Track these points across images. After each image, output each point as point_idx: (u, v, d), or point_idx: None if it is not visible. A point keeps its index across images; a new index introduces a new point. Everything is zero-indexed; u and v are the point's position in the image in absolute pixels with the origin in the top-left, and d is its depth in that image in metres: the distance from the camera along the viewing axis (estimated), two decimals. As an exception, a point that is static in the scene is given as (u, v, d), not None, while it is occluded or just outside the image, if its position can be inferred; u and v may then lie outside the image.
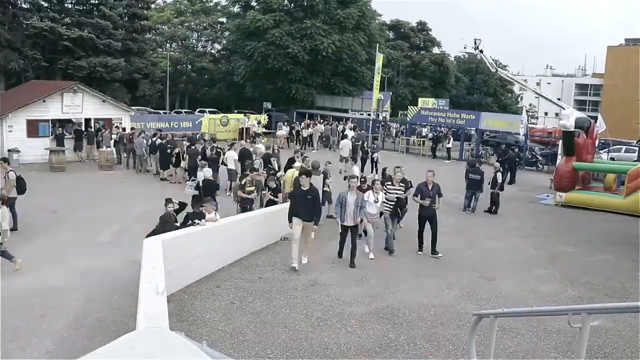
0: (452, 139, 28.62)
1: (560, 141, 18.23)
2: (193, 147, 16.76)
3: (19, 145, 19.42)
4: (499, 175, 14.93)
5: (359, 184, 10.34)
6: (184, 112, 42.99)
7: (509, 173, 19.80)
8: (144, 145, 18.40)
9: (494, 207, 14.71)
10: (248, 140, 23.00)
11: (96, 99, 22.04)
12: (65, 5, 36.42)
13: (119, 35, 36.56)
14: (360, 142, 22.88)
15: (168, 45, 54.17)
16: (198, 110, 43.52)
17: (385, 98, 43.53)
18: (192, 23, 52.77)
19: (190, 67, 52.89)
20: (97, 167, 19.33)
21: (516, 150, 22.81)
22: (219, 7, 53.66)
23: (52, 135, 20.29)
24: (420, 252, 10.44)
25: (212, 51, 55.45)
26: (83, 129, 21.36)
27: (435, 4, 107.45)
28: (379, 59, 32.68)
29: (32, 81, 28.12)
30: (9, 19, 32.71)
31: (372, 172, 18.97)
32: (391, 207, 10.63)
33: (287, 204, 11.97)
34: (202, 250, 8.50)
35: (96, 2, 36.74)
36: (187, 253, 8.10)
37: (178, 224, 9.05)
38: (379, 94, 35.68)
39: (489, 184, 14.69)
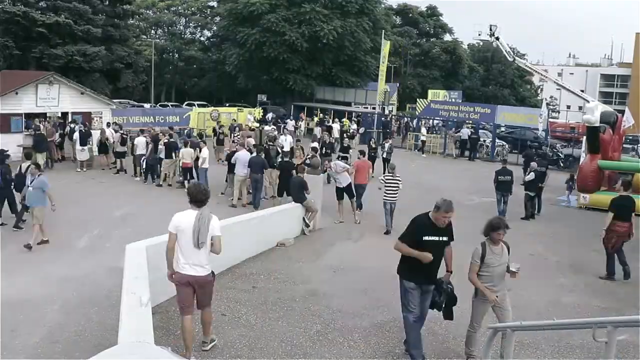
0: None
1: (584, 137, 18.24)
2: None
3: (-11, 142, 19.43)
4: (532, 175, 15.05)
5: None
6: (171, 105, 43.04)
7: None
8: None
9: (529, 212, 15.00)
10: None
11: (74, 91, 22.08)
12: (40, -13, 36.48)
13: (98, 21, 36.56)
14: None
15: (153, 31, 54.25)
16: (186, 103, 43.59)
17: (391, 90, 43.56)
18: (179, 7, 52.84)
19: (177, 55, 52.96)
20: (76, 166, 19.34)
21: (544, 149, 22.82)
22: (208, -10, 53.80)
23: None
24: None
25: (202, 38, 55.56)
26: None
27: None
28: (385, 47, 32.71)
29: (4, 71, 28.13)
30: (-22, 3, 32.77)
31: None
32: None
33: (287, 207, 12.12)
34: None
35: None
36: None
37: None
38: (385, 85, 35.68)
39: (522, 184, 14.90)
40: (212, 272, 6.12)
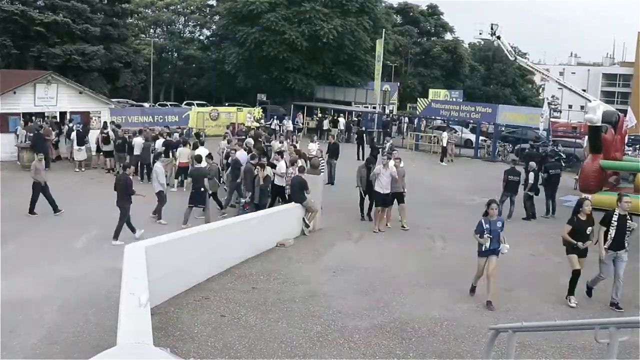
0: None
1: (586, 137, 18.23)
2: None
3: (-14, 142, 19.42)
4: (532, 175, 15.04)
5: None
6: (170, 104, 43.04)
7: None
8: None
9: (529, 213, 14.94)
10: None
11: (72, 91, 22.04)
12: (38, -14, 36.47)
13: (97, 20, 36.57)
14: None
15: (152, 30, 54.21)
16: (185, 102, 43.57)
17: (392, 89, 43.50)
18: (178, 6, 52.82)
19: (176, 55, 52.93)
20: (74, 166, 19.34)
21: (538, 146, 22.80)
22: (208, -11, 53.77)
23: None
24: None
25: (201, 37, 55.51)
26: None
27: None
28: (379, 45, 32.72)
29: (2, 71, 28.08)
30: (-25, 1, 32.75)
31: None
32: None
33: (287, 207, 12.13)
34: (190, 257, 8.49)
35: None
36: (173, 261, 8.10)
37: None
38: (387, 84, 35.63)
39: (523, 184, 14.92)
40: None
